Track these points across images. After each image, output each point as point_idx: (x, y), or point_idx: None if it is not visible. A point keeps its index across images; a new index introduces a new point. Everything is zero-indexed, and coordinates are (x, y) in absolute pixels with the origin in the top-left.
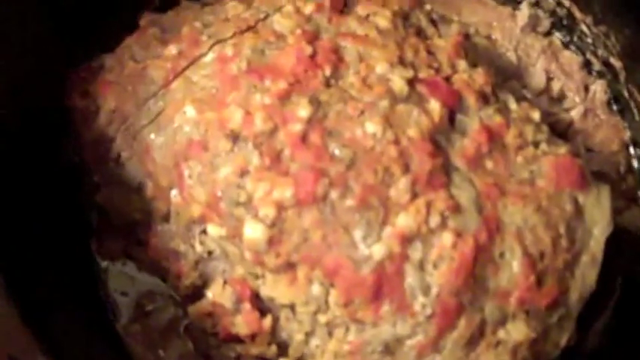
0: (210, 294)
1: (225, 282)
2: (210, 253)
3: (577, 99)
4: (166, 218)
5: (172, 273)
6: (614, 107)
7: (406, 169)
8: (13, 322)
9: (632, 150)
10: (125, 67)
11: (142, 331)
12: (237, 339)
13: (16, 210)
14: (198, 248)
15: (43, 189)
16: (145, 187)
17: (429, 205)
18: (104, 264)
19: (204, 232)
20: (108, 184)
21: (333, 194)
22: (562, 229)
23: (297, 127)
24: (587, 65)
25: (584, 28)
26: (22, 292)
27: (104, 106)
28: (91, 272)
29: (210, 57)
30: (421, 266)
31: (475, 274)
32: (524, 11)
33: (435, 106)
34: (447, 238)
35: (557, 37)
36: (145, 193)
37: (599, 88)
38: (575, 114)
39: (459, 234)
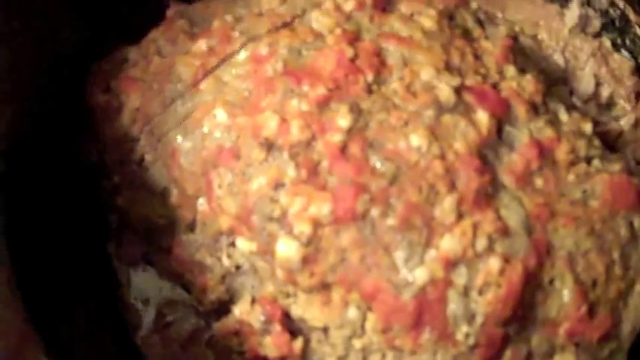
0: (237, 311)
1: (253, 299)
2: (238, 267)
3: (627, 106)
4: (192, 228)
5: (197, 286)
6: None
7: (452, 186)
8: (21, 326)
9: None
10: (151, 62)
11: (161, 342)
12: None
13: (30, 209)
14: (226, 262)
15: (61, 188)
16: (170, 193)
17: (475, 227)
18: (124, 269)
19: (232, 244)
20: (130, 187)
21: (374, 212)
22: (616, 255)
23: (337, 138)
24: (639, 71)
25: (638, 31)
26: (34, 296)
27: (128, 103)
28: (110, 279)
29: (243, 55)
30: (465, 293)
31: (523, 302)
32: (573, 10)
33: (482, 116)
34: (494, 263)
35: (608, 38)
36: (169, 200)
37: None
38: (624, 123)
39: (506, 259)
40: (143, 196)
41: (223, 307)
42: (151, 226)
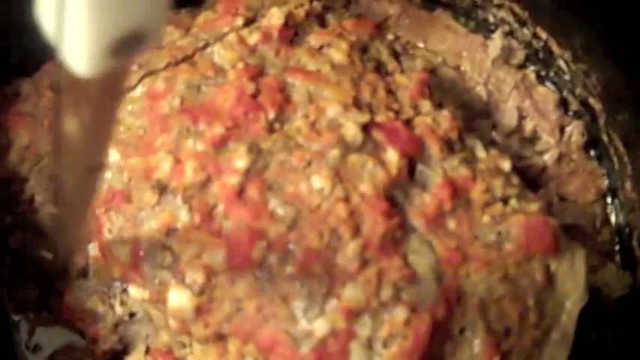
0: None
1: (148, 349)
2: (132, 315)
3: (551, 141)
4: (84, 273)
5: (88, 335)
6: (592, 153)
7: (356, 231)
8: None
9: (609, 200)
10: (43, 96)
11: None
12: None
13: None
14: (119, 310)
15: None
16: None
17: (380, 275)
18: (15, 315)
19: (125, 291)
20: (21, 228)
21: (272, 259)
22: (531, 302)
23: (233, 180)
24: (563, 104)
25: (561, 63)
26: None
27: (16, 141)
28: (2, 324)
29: (139, 91)
30: (369, 345)
31: (431, 354)
32: (496, 41)
33: (392, 156)
34: (399, 313)
35: (532, 70)
36: None
37: (575, 130)
38: (548, 158)
39: (413, 308)
40: (35, 238)
41: (117, 358)
42: (45, 269)
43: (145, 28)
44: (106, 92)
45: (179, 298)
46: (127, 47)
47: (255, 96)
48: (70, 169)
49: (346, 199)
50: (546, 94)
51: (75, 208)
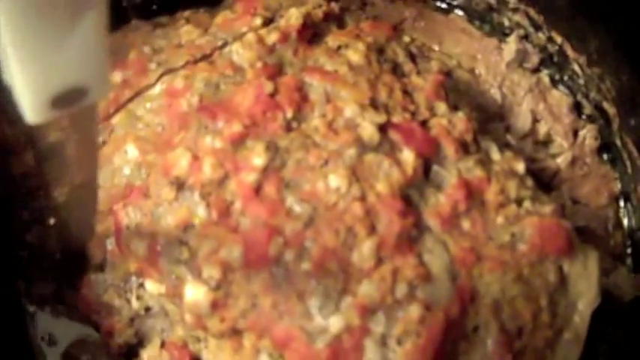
0: (145, 356)
1: (163, 343)
2: (147, 309)
3: (565, 144)
4: (101, 267)
5: (104, 329)
6: (605, 156)
7: (372, 230)
8: None
9: (622, 204)
10: None
11: None
12: None
13: None
14: (135, 304)
15: None
16: None
17: (395, 273)
18: (32, 308)
19: (142, 286)
20: (38, 223)
21: (288, 256)
22: (544, 302)
23: (251, 177)
24: (577, 108)
25: (576, 67)
26: None
27: None
28: (18, 318)
29: (158, 89)
30: (383, 342)
31: (444, 352)
32: (511, 45)
33: (408, 156)
34: (414, 310)
35: (546, 74)
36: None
37: (589, 134)
38: (561, 161)
39: (427, 306)
40: (53, 232)
41: (132, 351)
42: (62, 263)
43: (85, 83)
44: (78, 127)
45: (195, 293)
46: (70, 100)
47: (273, 95)
48: (59, 187)
49: (362, 198)
50: (560, 97)
51: (72, 220)
